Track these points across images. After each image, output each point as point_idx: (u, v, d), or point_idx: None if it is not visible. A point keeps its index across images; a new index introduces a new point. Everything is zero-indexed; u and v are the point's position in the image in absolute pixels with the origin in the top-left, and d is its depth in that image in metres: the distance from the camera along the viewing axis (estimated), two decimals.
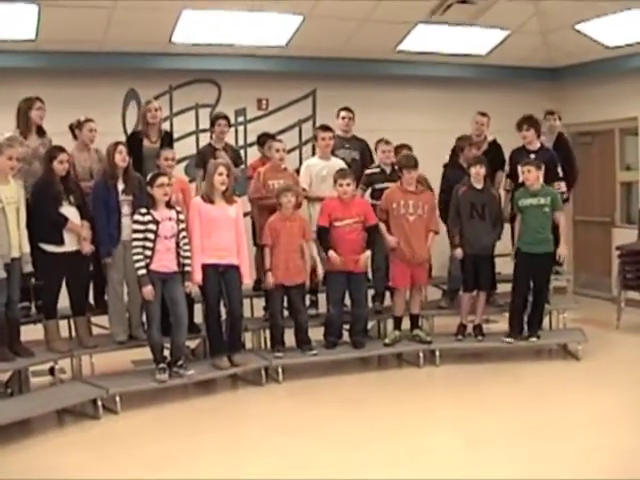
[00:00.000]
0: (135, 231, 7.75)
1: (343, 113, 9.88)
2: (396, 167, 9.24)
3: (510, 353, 9.33)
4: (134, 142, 8.71)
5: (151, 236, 7.70)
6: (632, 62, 11.26)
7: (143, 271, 7.70)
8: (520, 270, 9.06)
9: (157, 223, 7.73)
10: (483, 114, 10.07)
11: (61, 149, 7.94)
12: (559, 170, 9.50)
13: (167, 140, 9.04)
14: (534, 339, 9.12)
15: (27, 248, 7.64)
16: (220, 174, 8.13)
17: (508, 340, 9.11)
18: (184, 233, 7.94)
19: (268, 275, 8.68)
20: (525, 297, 9.13)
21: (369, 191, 9.56)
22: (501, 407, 7.70)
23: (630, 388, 8.14)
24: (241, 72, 10.93)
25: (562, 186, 9.52)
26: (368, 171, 9.60)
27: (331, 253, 8.69)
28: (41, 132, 8.42)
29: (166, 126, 10.24)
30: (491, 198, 9.15)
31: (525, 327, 9.18)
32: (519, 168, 9.14)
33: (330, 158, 9.33)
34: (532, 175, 8.86)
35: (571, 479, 5.86)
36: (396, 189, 9.02)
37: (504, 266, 9.56)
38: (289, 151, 9.95)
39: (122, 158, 8.09)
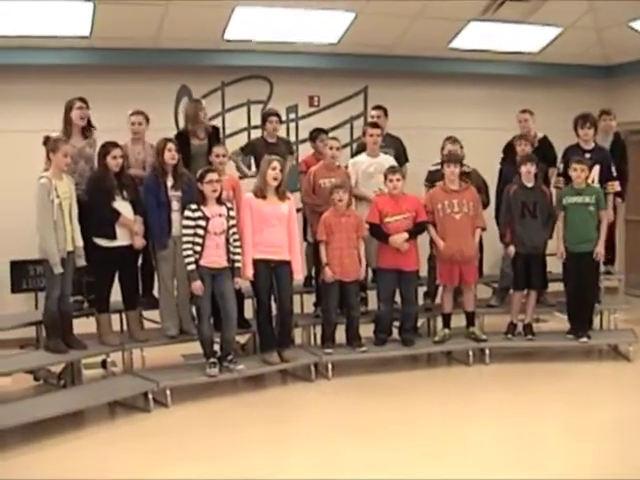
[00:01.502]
0: (185, 227, 7.81)
1: (373, 112, 9.88)
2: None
3: (560, 353, 9.28)
4: (181, 140, 8.75)
5: (201, 232, 7.75)
6: None
7: (192, 266, 7.75)
8: (568, 269, 9.03)
9: (207, 219, 7.77)
10: (524, 111, 9.96)
11: (115, 145, 8.02)
12: (613, 169, 9.39)
13: (215, 136, 9.09)
14: (585, 339, 9.05)
15: (80, 242, 7.75)
16: (273, 169, 8.15)
17: (569, 337, 9.12)
18: (234, 229, 7.98)
19: (327, 270, 8.66)
20: (577, 296, 9.05)
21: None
22: (550, 407, 7.64)
23: None
24: (293, 69, 10.94)
25: (616, 185, 9.42)
26: (432, 168, 9.56)
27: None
28: (86, 133, 8.46)
29: (218, 122, 10.31)
30: (542, 196, 9.08)
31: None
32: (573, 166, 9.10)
33: (378, 155, 9.31)
34: (584, 174, 8.80)
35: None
36: (439, 189, 8.99)
37: (555, 265, 9.50)
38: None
39: (171, 156, 8.14)
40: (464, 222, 8.90)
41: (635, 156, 11.40)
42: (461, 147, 9.45)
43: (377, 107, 9.90)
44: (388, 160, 9.24)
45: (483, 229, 9.14)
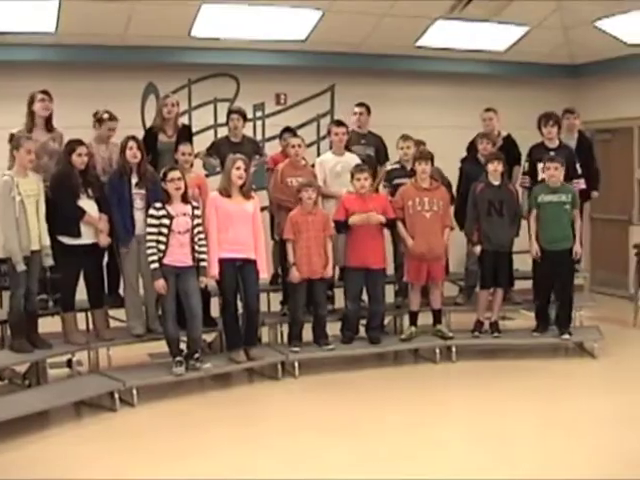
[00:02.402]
0: (149, 225, 7.80)
1: (356, 109, 9.87)
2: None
3: (526, 350, 9.34)
4: (150, 137, 8.74)
5: (165, 231, 7.74)
6: None
7: (156, 265, 7.74)
8: (542, 268, 9.05)
9: (171, 218, 7.76)
10: (488, 109, 9.99)
11: (80, 142, 7.97)
12: (577, 167, 9.44)
13: (185, 134, 9.04)
14: (567, 336, 9.12)
15: (47, 241, 7.71)
16: (238, 168, 8.15)
17: (535, 334, 9.19)
18: (199, 228, 7.97)
19: (293, 270, 8.67)
20: (548, 295, 9.14)
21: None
22: (517, 404, 7.68)
23: None
24: (260, 67, 10.93)
25: (581, 183, 9.47)
26: (389, 167, 9.62)
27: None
28: (50, 126, 8.38)
29: (185, 120, 10.27)
30: (509, 194, 9.13)
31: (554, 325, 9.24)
32: (538, 165, 9.14)
33: (344, 154, 9.34)
34: (558, 172, 8.85)
35: (578, 478, 5.84)
36: (410, 186, 9.01)
37: (522, 263, 9.55)
38: (308, 146, 9.92)
39: (133, 154, 8.10)
40: (434, 220, 8.93)
41: (600, 155, 11.47)
42: (417, 144, 9.49)
43: (361, 104, 9.90)
44: (354, 159, 9.27)
45: (452, 228, 9.19)
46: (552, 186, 8.92)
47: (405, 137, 9.51)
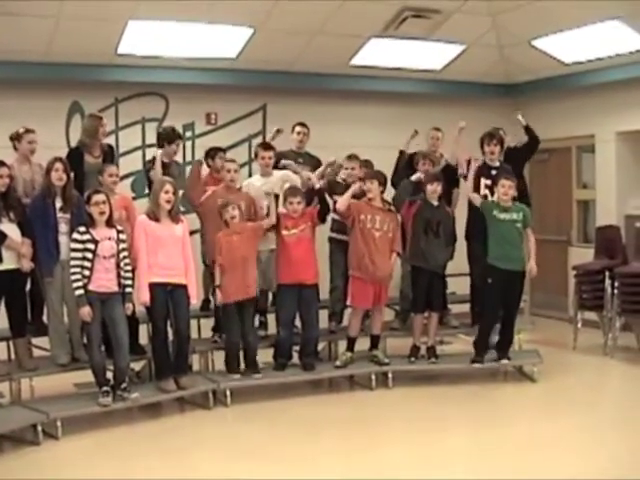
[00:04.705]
0: (73, 250, 7.72)
1: (298, 128, 9.92)
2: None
3: (464, 375, 9.41)
4: (75, 157, 8.65)
5: (89, 255, 7.67)
6: (589, 79, 11.49)
7: (80, 291, 7.67)
8: (493, 287, 9.00)
9: (96, 242, 7.70)
10: (438, 129, 10.15)
11: (1, 163, 7.89)
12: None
13: (110, 155, 9.01)
14: (506, 361, 9.19)
15: None
16: (166, 192, 8.13)
17: (476, 365, 9.18)
18: (125, 253, 7.93)
19: (217, 292, 8.67)
20: (496, 318, 9.13)
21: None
22: (453, 430, 7.77)
23: (584, 410, 8.30)
24: (189, 85, 10.95)
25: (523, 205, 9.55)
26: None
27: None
28: None
29: (111, 140, 10.21)
30: (446, 216, 9.24)
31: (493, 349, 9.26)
32: (482, 180, 9.26)
33: (271, 174, 9.32)
34: (512, 191, 8.90)
35: None
36: (363, 203, 9.05)
37: (458, 286, 9.64)
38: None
39: (58, 177, 8.03)
40: (383, 241, 9.00)
41: (537, 175, 11.68)
42: (361, 166, 9.53)
43: (302, 124, 9.95)
44: (281, 179, 9.24)
45: (399, 254, 9.24)
46: (504, 205, 8.96)
47: (351, 157, 9.58)
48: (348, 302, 9.34)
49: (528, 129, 9.93)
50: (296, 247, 8.83)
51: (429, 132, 10.17)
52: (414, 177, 9.51)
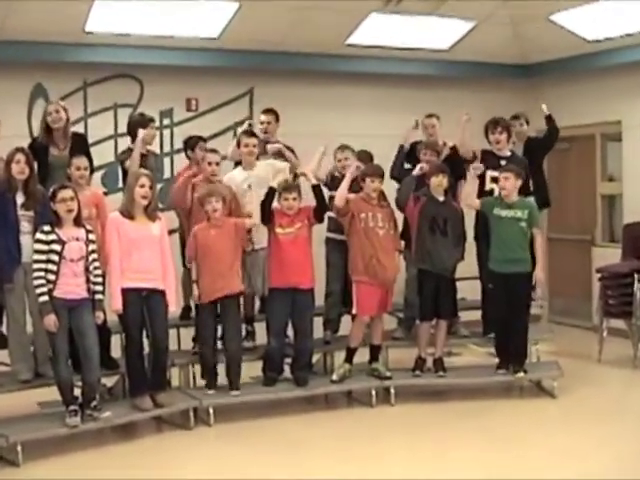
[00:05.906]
0: (37, 252, 7.66)
1: (262, 117, 9.97)
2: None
3: (475, 391, 9.41)
4: (38, 149, 8.62)
5: (55, 258, 7.62)
6: (615, 58, 11.46)
7: (45, 298, 7.61)
8: (494, 294, 9.07)
9: (62, 243, 7.65)
10: (430, 115, 10.13)
11: None
12: (530, 183, 9.54)
13: (80, 144, 8.96)
14: (521, 374, 9.16)
15: None
16: (142, 186, 8.09)
17: (500, 372, 9.21)
18: (95, 255, 7.89)
19: (194, 288, 8.70)
20: (502, 326, 9.14)
21: None
22: (462, 453, 7.71)
23: (609, 431, 8.23)
24: (167, 67, 10.93)
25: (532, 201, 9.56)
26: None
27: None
28: None
29: (80, 128, 10.19)
30: (454, 212, 9.21)
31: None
32: (488, 173, 9.27)
33: (254, 167, 9.28)
34: (510, 183, 8.90)
35: None
36: (360, 200, 9.04)
37: (469, 292, 9.62)
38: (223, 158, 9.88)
39: (20, 169, 8.00)
40: (387, 239, 9.03)
41: (557, 165, 11.64)
42: (358, 158, 9.52)
43: (267, 111, 9.94)
44: (265, 169, 9.22)
45: (400, 252, 9.25)
46: (506, 200, 8.96)
47: (343, 147, 9.58)
48: (353, 311, 9.20)
49: (549, 119, 9.93)
50: (291, 247, 8.81)
51: (422, 120, 10.14)
52: (416, 170, 9.45)
